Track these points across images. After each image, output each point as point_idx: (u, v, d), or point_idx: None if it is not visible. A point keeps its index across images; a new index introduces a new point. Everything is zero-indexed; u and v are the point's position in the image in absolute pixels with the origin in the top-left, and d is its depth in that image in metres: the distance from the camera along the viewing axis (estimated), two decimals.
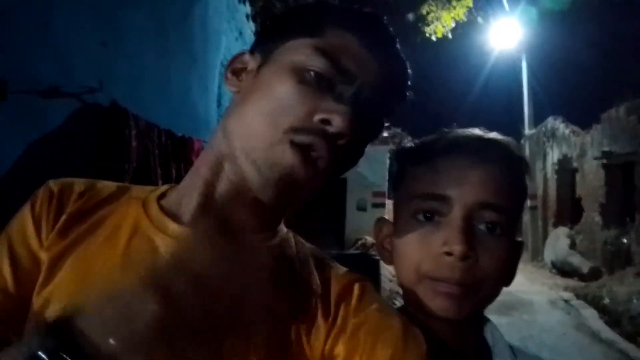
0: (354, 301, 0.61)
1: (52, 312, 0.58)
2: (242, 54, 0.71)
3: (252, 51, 0.69)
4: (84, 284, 0.59)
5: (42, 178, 0.70)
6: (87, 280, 0.59)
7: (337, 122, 0.59)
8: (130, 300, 0.57)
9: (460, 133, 0.77)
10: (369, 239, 8.05)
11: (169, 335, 0.55)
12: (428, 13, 10.50)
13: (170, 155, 2.82)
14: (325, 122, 0.59)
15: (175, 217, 0.64)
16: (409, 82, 0.72)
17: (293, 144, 0.59)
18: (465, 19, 10.71)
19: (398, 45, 0.70)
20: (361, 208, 9.28)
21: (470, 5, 10.61)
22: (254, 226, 0.65)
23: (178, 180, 0.84)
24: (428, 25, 10.56)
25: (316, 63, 0.61)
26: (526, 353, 0.79)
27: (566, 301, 7.74)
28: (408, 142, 0.84)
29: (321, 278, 0.64)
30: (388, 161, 9.79)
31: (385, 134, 10.07)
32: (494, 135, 0.77)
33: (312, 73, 0.61)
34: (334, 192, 9.48)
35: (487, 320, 0.78)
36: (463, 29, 11.26)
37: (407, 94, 0.73)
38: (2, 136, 1.95)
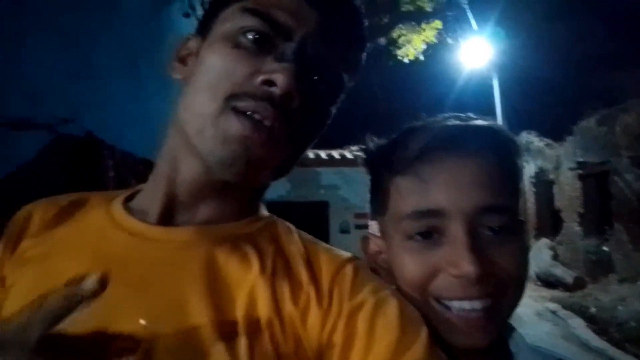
0: (347, 284, 0.57)
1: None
2: (186, 39, 0.67)
3: (196, 34, 0.65)
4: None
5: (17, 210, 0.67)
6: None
7: (280, 81, 0.54)
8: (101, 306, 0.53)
9: (437, 126, 0.65)
10: None
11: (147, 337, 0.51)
12: (399, 36, 10.73)
13: None
14: (269, 83, 0.54)
15: (143, 217, 0.62)
16: (364, 26, 0.66)
17: (236, 111, 0.54)
18: (435, 41, 10.97)
19: None
20: (344, 230, 9.24)
21: (440, 27, 10.89)
22: (226, 214, 0.62)
23: None
24: (400, 48, 10.79)
25: (246, 22, 0.57)
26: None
27: (553, 312, 7.76)
28: (373, 142, 0.71)
29: (311, 263, 0.60)
30: (369, 182, 9.81)
31: (364, 155, 10.13)
32: (472, 120, 0.66)
33: (247, 36, 0.57)
34: (317, 216, 9.49)
35: (513, 329, 0.67)
36: (434, 50, 11.52)
37: (365, 39, 0.66)
38: None
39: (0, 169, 2.03)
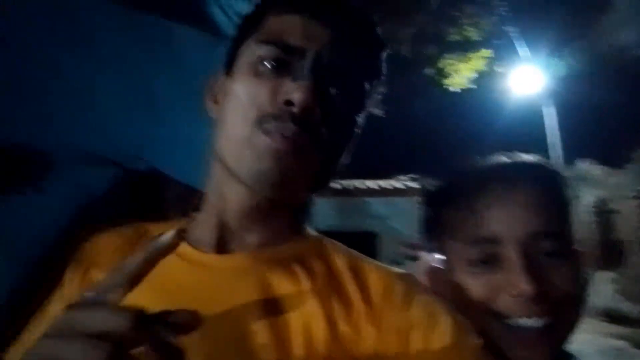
0: (398, 300, 0.58)
1: None
2: (215, 80, 0.72)
3: (222, 74, 0.71)
4: None
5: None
6: None
7: (297, 99, 0.57)
8: None
9: (487, 164, 0.74)
10: None
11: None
12: (446, 66, 10.72)
13: None
14: (288, 103, 0.58)
15: (199, 246, 0.65)
16: (376, 32, 0.68)
17: (266, 131, 0.59)
18: (484, 69, 10.88)
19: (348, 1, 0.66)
20: (395, 262, 9.09)
21: (489, 55, 10.81)
22: (275, 236, 0.65)
23: None
24: (447, 77, 10.76)
25: (262, 52, 0.62)
26: None
27: (618, 350, 7.30)
28: (432, 184, 0.80)
29: (361, 280, 0.61)
30: (427, 218, 9.64)
31: (413, 185, 10.03)
32: (520, 157, 0.74)
33: (265, 64, 0.61)
34: (366, 246, 9.38)
35: (572, 356, 0.72)
36: (482, 79, 11.41)
37: (380, 44, 0.68)
38: (50, 203, 2.04)
39: (73, 202, 2.17)
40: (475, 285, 0.69)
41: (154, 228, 0.73)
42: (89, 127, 2.37)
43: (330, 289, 0.59)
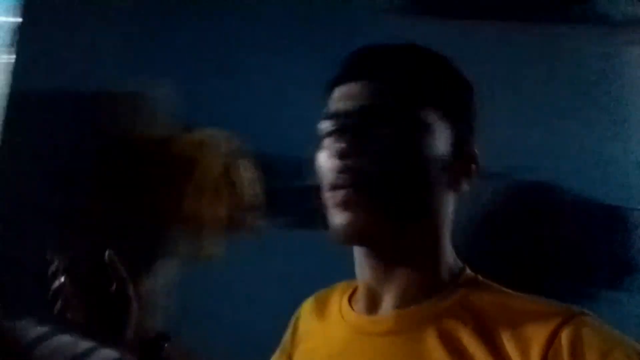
0: (564, 354, 0.48)
1: None
2: None
3: None
4: None
5: None
6: None
7: (334, 152, 0.59)
8: None
9: None
10: None
11: None
12: None
13: None
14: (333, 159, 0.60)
15: (360, 307, 0.65)
16: (419, 62, 0.63)
17: (329, 194, 0.59)
18: None
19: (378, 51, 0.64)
20: None
21: None
22: (421, 287, 0.61)
23: None
24: None
25: (321, 130, 0.63)
26: None
27: None
28: None
29: (518, 334, 0.52)
30: None
31: None
32: None
33: (327, 140, 0.62)
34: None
35: None
36: None
37: (427, 66, 0.63)
38: None
39: (467, 213, 2.56)
40: None
41: (339, 288, 0.73)
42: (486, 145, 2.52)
43: (479, 351, 0.53)
